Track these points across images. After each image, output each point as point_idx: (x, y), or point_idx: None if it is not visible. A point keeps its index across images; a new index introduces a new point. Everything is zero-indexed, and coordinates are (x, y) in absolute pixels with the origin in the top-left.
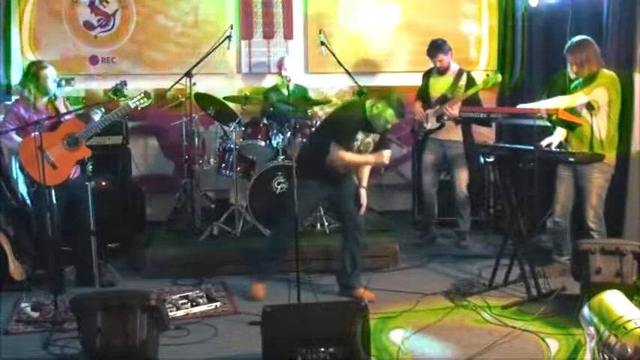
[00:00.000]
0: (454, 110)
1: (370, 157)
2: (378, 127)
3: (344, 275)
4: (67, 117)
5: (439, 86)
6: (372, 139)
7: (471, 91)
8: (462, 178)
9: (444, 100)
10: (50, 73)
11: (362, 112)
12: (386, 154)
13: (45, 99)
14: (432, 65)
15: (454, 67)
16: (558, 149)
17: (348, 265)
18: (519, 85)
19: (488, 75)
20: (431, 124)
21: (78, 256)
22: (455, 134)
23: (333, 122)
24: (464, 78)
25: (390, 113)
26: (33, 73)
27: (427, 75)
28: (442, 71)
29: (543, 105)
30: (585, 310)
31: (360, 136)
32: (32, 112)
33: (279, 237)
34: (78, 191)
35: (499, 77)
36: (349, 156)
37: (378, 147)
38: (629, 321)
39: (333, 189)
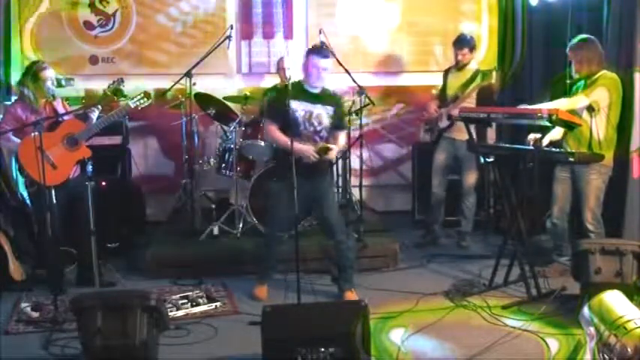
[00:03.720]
0: (456, 110)
1: (303, 147)
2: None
3: (335, 276)
4: (66, 117)
5: (454, 84)
6: (325, 112)
7: (468, 91)
8: (471, 179)
9: (455, 98)
10: (49, 75)
11: (289, 86)
12: (309, 149)
13: (43, 100)
14: (430, 66)
15: (472, 66)
16: (558, 149)
17: (337, 272)
18: (519, 82)
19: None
20: (443, 123)
21: (79, 256)
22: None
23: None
24: (478, 78)
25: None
26: (32, 73)
27: (446, 73)
28: (461, 67)
29: (544, 107)
30: (585, 310)
31: (298, 104)
32: (30, 112)
33: (264, 245)
34: (78, 191)
35: (492, 74)
36: (274, 132)
37: (335, 124)
38: (629, 321)
39: (310, 189)
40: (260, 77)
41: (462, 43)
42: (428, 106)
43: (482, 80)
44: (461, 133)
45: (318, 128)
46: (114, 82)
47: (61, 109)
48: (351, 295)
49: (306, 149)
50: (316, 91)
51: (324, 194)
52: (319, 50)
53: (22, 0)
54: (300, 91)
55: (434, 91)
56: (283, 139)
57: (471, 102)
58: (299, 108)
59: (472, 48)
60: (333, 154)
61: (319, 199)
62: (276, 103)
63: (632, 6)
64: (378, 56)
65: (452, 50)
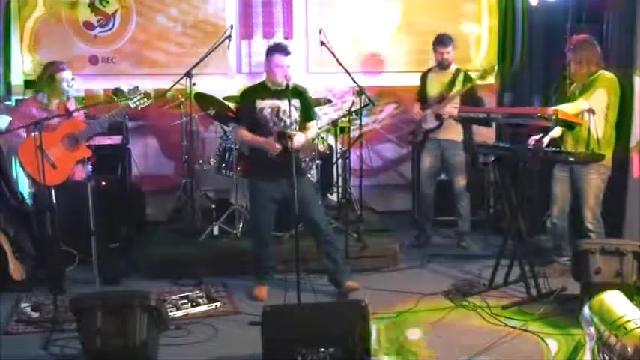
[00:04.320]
0: (450, 109)
1: (261, 139)
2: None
3: (332, 272)
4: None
5: (436, 85)
6: (292, 105)
7: (454, 92)
8: (462, 180)
9: (441, 99)
10: (66, 76)
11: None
12: (269, 140)
13: (57, 100)
14: (429, 66)
15: (453, 67)
16: (557, 149)
17: (332, 266)
18: (519, 82)
19: (483, 69)
20: (430, 123)
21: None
22: (454, 134)
23: None
24: (461, 77)
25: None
26: (49, 74)
27: (424, 76)
28: (444, 67)
29: None
30: (585, 310)
31: (264, 103)
32: (43, 112)
33: (253, 247)
34: (78, 191)
35: (491, 68)
36: (242, 134)
37: (304, 116)
38: (629, 321)
39: (288, 190)
40: (260, 77)
41: (446, 41)
42: (412, 108)
43: (464, 82)
44: (447, 134)
45: (288, 122)
46: (129, 90)
47: (73, 109)
48: (352, 285)
49: (266, 141)
50: (280, 87)
51: (302, 194)
52: (281, 48)
53: (21, 0)
54: (265, 90)
55: None
56: (249, 136)
57: (457, 102)
58: (265, 106)
59: (454, 46)
60: (297, 142)
61: (298, 199)
62: (241, 106)
63: (632, 6)
64: (377, 56)
65: (432, 51)
